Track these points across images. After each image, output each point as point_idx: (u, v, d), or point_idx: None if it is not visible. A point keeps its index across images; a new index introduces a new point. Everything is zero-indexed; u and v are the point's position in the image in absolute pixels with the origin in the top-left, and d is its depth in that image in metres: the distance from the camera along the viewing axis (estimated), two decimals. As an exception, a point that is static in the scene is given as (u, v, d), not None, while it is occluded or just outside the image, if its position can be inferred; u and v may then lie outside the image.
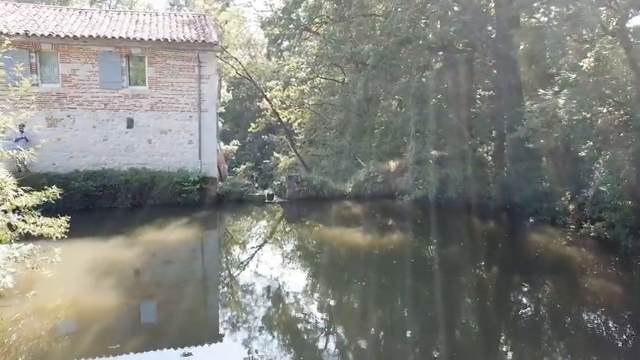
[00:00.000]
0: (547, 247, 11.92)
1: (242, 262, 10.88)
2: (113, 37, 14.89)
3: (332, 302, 8.66)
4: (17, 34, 13.83)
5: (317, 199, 17.20)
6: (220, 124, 27.56)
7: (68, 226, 7.88)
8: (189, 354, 6.11)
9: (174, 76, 15.76)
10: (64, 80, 15.11)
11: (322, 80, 27.89)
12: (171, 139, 15.94)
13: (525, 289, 9.33)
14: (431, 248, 12.27)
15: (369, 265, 10.54)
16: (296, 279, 9.78)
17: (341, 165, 22.17)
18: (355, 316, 7.97)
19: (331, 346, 6.85)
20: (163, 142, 15.90)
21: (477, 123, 17.62)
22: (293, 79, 28.32)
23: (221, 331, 7.11)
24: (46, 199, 7.76)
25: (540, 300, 8.75)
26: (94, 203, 14.35)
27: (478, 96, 19.16)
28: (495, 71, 17.96)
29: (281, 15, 23.15)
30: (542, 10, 15.39)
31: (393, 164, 18.69)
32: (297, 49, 26.79)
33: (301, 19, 23.37)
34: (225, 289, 9.28)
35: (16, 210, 7.54)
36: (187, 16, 18.40)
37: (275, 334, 7.22)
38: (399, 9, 17.32)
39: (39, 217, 7.66)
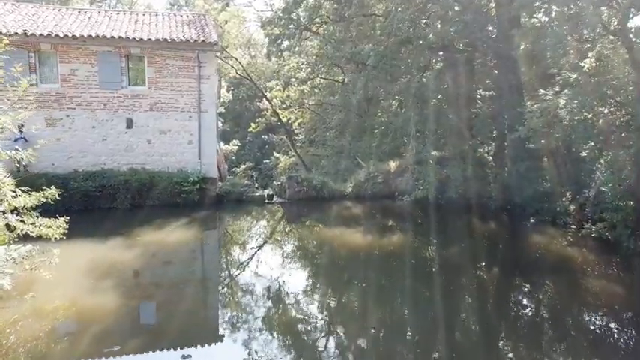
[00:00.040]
0: (548, 247, 11.88)
1: (242, 263, 10.84)
2: (112, 37, 14.85)
3: (332, 303, 8.62)
4: (16, 33, 13.76)
5: (317, 199, 17.17)
6: (220, 124, 27.51)
7: (67, 226, 7.85)
8: (189, 356, 6.08)
9: (173, 76, 15.73)
10: (64, 80, 15.07)
11: (322, 80, 27.87)
12: (170, 139, 15.91)
13: (526, 289, 9.32)
14: (431, 249, 12.24)
15: (369, 266, 10.50)
16: (296, 279, 9.74)
17: (341, 165, 22.13)
18: (355, 316, 7.94)
19: (331, 346, 6.82)
20: (163, 142, 15.87)
21: (478, 123, 17.59)
22: (293, 79, 28.30)
23: (221, 331, 7.08)
24: (44, 200, 7.71)
25: (541, 301, 8.72)
26: (93, 204, 14.32)
27: (479, 96, 19.13)
28: (496, 71, 17.93)
29: (281, 15, 23.11)
30: (543, 9, 15.39)
31: (393, 164, 18.66)
32: (297, 49, 26.75)
33: (301, 19, 23.33)
34: (225, 289, 9.25)
35: (15, 211, 7.49)
36: (187, 16, 18.35)
37: (275, 334, 7.19)
38: (400, 9, 17.26)
39: (38, 217, 7.62)
